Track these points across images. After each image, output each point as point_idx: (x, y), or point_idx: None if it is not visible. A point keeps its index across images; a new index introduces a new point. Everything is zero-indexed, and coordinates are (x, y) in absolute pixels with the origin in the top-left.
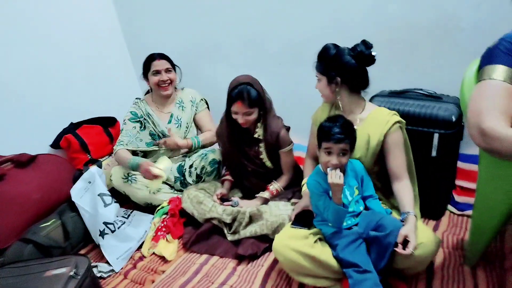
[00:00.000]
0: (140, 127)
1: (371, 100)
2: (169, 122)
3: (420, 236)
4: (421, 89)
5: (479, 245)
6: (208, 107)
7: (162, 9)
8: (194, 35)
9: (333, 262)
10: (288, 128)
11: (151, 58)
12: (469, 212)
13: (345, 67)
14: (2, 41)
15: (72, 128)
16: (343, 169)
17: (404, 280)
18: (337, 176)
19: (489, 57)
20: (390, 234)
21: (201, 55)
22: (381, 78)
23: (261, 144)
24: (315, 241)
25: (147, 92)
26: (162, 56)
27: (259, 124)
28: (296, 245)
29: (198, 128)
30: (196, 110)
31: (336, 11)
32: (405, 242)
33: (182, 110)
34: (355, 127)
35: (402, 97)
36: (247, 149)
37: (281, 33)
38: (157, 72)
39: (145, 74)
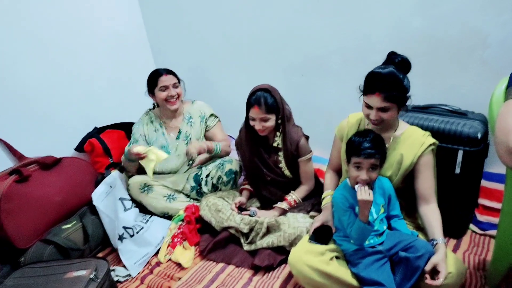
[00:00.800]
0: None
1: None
2: (178, 138)
3: (449, 265)
4: (445, 105)
5: (502, 266)
6: (219, 120)
7: (188, 17)
8: (215, 46)
9: (350, 279)
10: (307, 137)
11: (158, 74)
12: (492, 232)
13: (406, 90)
14: (31, 48)
15: (96, 132)
16: (371, 185)
17: None
18: (366, 193)
19: None
20: (422, 256)
21: (222, 64)
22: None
23: (280, 153)
24: (331, 258)
25: (151, 109)
26: (169, 72)
27: (278, 133)
28: (311, 260)
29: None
30: (206, 126)
31: (360, 25)
32: (433, 271)
33: (191, 126)
34: (387, 145)
35: (426, 112)
36: (266, 157)
37: (303, 46)
38: (165, 88)
39: (151, 90)
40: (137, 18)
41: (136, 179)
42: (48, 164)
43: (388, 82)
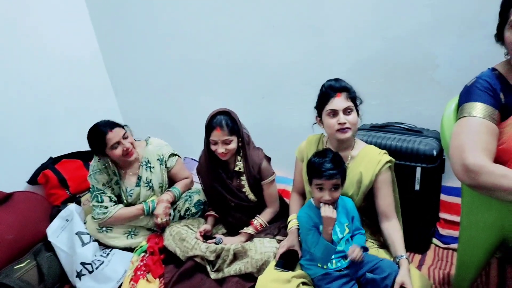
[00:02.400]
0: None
1: None
2: (138, 185)
3: (414, 283)
4: (402, 123)
5: (465, 279)
6: (179, 156)
7: (145, 41)
8: (175, 70)
9: None
10: (268, 159)
11: (102, 133)
12: (454, 245)
13: (357, 96)
14: None
15: (51, 163)
16: (335, 204)
17: None
18: (330, 210)
19: (467, 95)
20: (388, 277)
21: (184, 87)
22: (362, 112)
23: (243, 177)
24: (298, 285)
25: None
26: (111, 125)
27: (238, 157)
28: None
29: (174, 180)
30: (167, 168)
31: (318, 48)
32: None
33: (151, 171)
34: (346, 163)
35: (383, 131)
36: (229, 182)
37: (263, 69)
38: (117, 144)
39: (100, 152)
40: (92, 43)
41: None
42: None
43: (345, 85)
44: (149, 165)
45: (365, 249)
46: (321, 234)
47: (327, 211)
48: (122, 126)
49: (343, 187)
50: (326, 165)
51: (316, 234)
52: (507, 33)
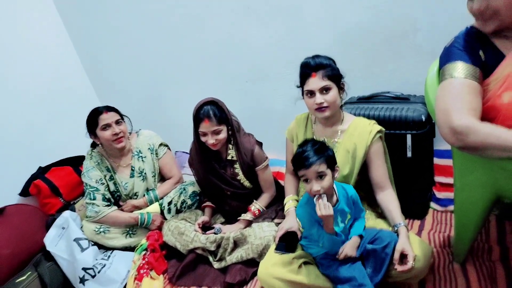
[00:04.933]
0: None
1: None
2: (132, 176)
3: (414, 249)
4: (388, 92)
5: (465, 240)
6: (169, 149)
7: (122, 38)
8: (158, 60)
9: (322, 283)
10: (260, 144)
11: (97, 112)
12: (452, 207)
13: (339, 70)
14: None
15: (41, 172)
16: (331, 193)
17: None
18: (326, 207)
19: (447, 56)
20: (388, 245)
21: (167, 80)
22: (348, 86)
23: (236, 165)
24: (300, 266)
25: (93, 146)
26: (109, 108)
27: (230, 146)
28: (279, 272)
29: (162, 175)
30: (157, 156)
31: (297, 27)
32: (402, 257)
33: (143, 161)
34: (336, 139)
35: (370, 102)
36: (223, 172)
37: (245, 54)
38: (107, 126)
39: (92, 131)
40: (68, 46)
41: (89, 223)
42: None
43: (320, 63)
44: (140, 155)
45: (361, 236)
46: (323, 228)
47: (322, 209)
48: (121, 114)
49: (337, 174)
50: (304, 155)
51: (319, 228)
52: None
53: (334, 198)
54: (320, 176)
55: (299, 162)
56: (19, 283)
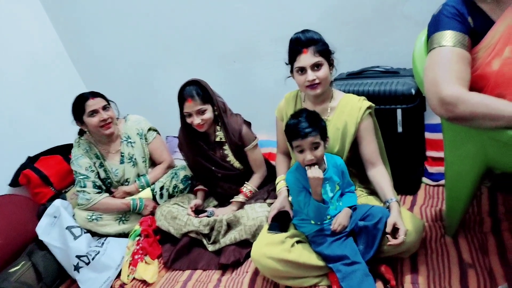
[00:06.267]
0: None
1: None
2: (122, 162)
3: (405, 223)
4: (377, 66)
5: (456, 213)
6: (158, 133)
7: (105, 22)
8: (143, 44)
9: (315, 261)
10: (249, 124)
11: (83, 98)
12: (444, 181)
13: (328, 45)
14: None
15: (30, 162)
16: (321, 162)
17: (389, 263)
18: (316, 171)
19: (435, 25)
20: (380, 221)
21: (154, 63)
22: (337, 62)
23: (225, 147)
24: (293, 245)
25: (80, 134)
26: (95, 94)
27: (218, 127)
28: (273, 252)
29: (152, 161)
30: (146, 141)
31: (283, 2)
32: (393, 231)
33: (132, 146)
34: (326, 117)
35: (360, 78)
36: (211, 154)
37: (231, 33)
38: (95, 112)
39: (79, 118)
40: (51, 33)
41: (81, 211)
42: None
43: (311, 37)
44: (129, 140)
45: (354, 208)
46: (311, 195)
47: (313, 172)
48: (107, 100)
49: (327, 144)
50: (300, 125)
51: (307, 194)
52: None
53: (323, 167)
54: (315, 146)
55: (294, 132)
56: (13, 273)
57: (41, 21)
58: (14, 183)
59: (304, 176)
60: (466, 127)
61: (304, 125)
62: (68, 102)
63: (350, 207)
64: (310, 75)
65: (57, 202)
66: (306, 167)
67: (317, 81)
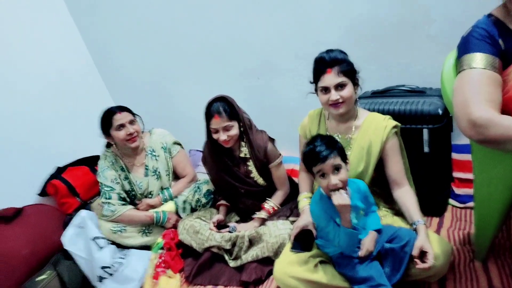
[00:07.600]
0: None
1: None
2: (146, 175)
3: (433, 246)
4: (403, 85)
5: (485, 237)
6: (182, 147)
7: (132, 38)
8: (168, 60)
9: (339, 282)
10: (273, 141)
11: (111, 112)
12: (472, 203)
13: (353, 65)
14: None
15: (58, 172)
16: (345, 187)
17: (416, 287)
18: (342, 196)
19: (465, 46)
20: (407, 244)
21: (177, 79)
22: (362, 80)
23: (249, 163)
24: (316, 265)
25: (107, 146)
26: (123, 108)
27: (243, 143)
28: (295, 271)
29: (176, 174)
30: (170, 154)
31: (307, 21)
32: (422, 255)
33: (156, 159)
34: (351, 135)
35: (385, 96)
36: (236, 170)
37: (256, 49)
38: (122, 126)
39: (106, 131)
40: (81, 46)
41: (106, 222)
42: (9, 216)
43: (335, 58)
44: (154, 153)
45: (379, 231)
46: (339, 225)
47: (339, 198)
48: (134, 114)
49: (349, 166)
50: (318, 149)
51: (335, 226)
52: None
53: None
54: (337, 168)
55: (313, 158)
56: (39, 282)
57: (72, 37)
58: (42, 192)
59: (329, 205)
60: (496, 150)
61: (321, 148)
62: (96, 115)
63: (376, 230)
64: (334, 94)
65: (83, 212)
66: (331, 193)
67: (340, 100)
